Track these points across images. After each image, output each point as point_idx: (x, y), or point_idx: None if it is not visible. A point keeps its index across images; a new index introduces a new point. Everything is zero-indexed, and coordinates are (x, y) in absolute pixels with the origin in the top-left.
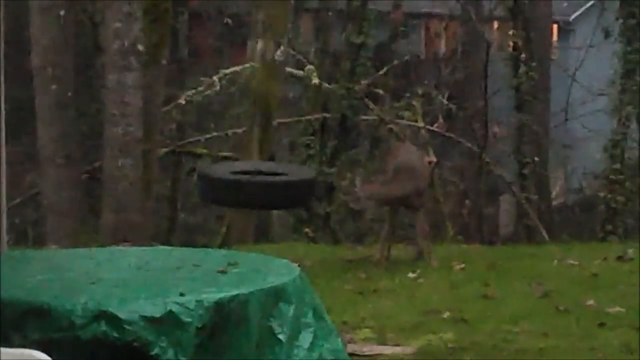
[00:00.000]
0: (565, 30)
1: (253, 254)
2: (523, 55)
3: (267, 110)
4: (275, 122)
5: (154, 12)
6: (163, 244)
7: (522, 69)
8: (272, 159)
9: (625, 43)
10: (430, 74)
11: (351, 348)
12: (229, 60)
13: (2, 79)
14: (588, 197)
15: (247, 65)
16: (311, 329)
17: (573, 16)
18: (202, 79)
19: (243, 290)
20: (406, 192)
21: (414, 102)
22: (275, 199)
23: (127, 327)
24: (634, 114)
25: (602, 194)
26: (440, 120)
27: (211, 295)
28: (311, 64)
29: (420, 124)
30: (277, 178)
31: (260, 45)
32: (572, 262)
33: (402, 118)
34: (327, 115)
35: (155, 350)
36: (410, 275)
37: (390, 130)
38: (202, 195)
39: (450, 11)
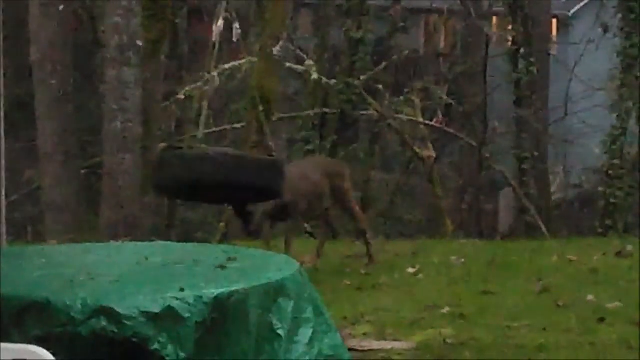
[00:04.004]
0: (565, 25)
1: (252, 249)
2: (522, 51)
3: (266, 105)
4: (274, 118)
5: (153, 8)
6: (162, 239)
7: (522, 64)
8: (271, 154)
9: (624, 38)
10: (430, 69)
11: (350, 343)
12: (228, 55)
13: (2, 74)
14: (587, 192)
15: (246, 60)
16: (310, 325)
17: (572, 11)
18: (201, 74)
19: (242, 285)
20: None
21: (413, 98)
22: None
23: (126, 322)
24: (633, 109)
25: (601, 190)
26: (440, 115)
27: (210, 291)
28: (310, 59)
29: (420, 119)
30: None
31: (259, 40)
32: (571, 257)
33: (402, 113)
34: (327, 110)
35: (155, 346)
36: (410, 270)
37: (390, 125)
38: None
39: (450, 6)
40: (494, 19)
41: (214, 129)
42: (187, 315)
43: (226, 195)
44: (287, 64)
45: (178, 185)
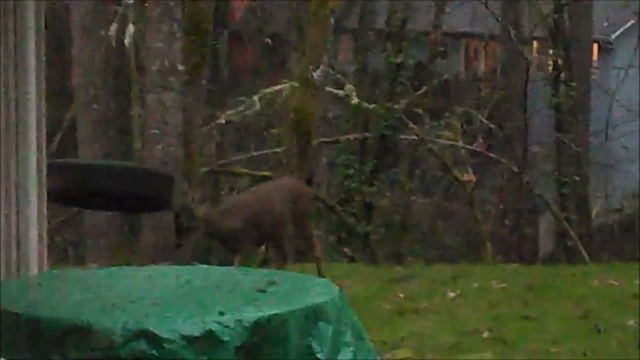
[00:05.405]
0: (606, 50)
1: (292, 273)
2: (563, 75)
3: (306, 129)
4: (314, 142)
5: (194, 32)
6: (202, 263)
7: (562, 88)
8: (310, 178)
9: None
10: (470, 94)
11: None
12: (268, 80)
13: (44, 95)
14: (628, 217)
15: (287, 84)
16: (350, 349)
17: (613, 35)
18: (241, 98)
19: (282, 309)
20: (234, 229)
21: (454, 122)
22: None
23: (166, 345)
24: None
25: None
26: (480, 139)
27: (250, 315)
28: (350, 83)
29: (460, 143)
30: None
31: (299, 65)
32: (612, 282)
33: (442, 137)
34: (367, 134)
35: None
36: (450, 295)
37: (430, 149)
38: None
39: (490, 31)
40: (535, 43)
41: (254, 153)
42: (226, 338)
43: (112, 203)
44: (327, 89)
45: (62, 193)
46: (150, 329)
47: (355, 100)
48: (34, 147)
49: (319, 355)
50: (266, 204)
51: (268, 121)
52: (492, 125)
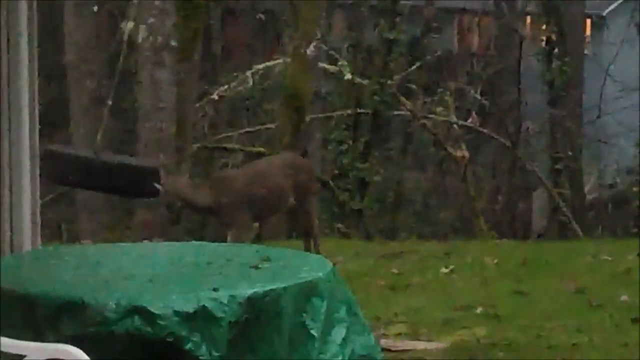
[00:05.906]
0: (599, 25)
1: (286, 249)
2: (556, 50)
3: (300, 105)
4: (307, 118)
5: (187, 8)
6: (196, 239)
7: (555, 64)
8: (304, 154)
9: None
10: (463, 69)
11: (384, 343)
12: (261, 56)
13: (36, 75)
14: (621, 192)
15: (280, 60)
16: (344, 324)
17: (606, 10)
18: (235, 74)
19: (276, 285)
20: (207, 203)
21: (447, 98)
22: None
23: (160, 322)
24: None
25: (635, 190)
26: (473, 115)
27: (244, 291)
28: (344, 59)
29: (453, 119)
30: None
31: (293, 41)
32: (605, 257)
33: (435, 113)
34: (360, 110)
35: (189, 345)
36: (443, 270)
37: (423, 125)
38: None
39: (483, 6)
40: (528, 18)
41: (248, 129)
42: (220, 315)
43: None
44: (321, 64)
45: (61, 178)
46: (144, 305)
47: (348, 76)
48: (26, 126)
49: (312, 331)
50: (261, 179)
51: (261, 97)
52: (485, 101)
